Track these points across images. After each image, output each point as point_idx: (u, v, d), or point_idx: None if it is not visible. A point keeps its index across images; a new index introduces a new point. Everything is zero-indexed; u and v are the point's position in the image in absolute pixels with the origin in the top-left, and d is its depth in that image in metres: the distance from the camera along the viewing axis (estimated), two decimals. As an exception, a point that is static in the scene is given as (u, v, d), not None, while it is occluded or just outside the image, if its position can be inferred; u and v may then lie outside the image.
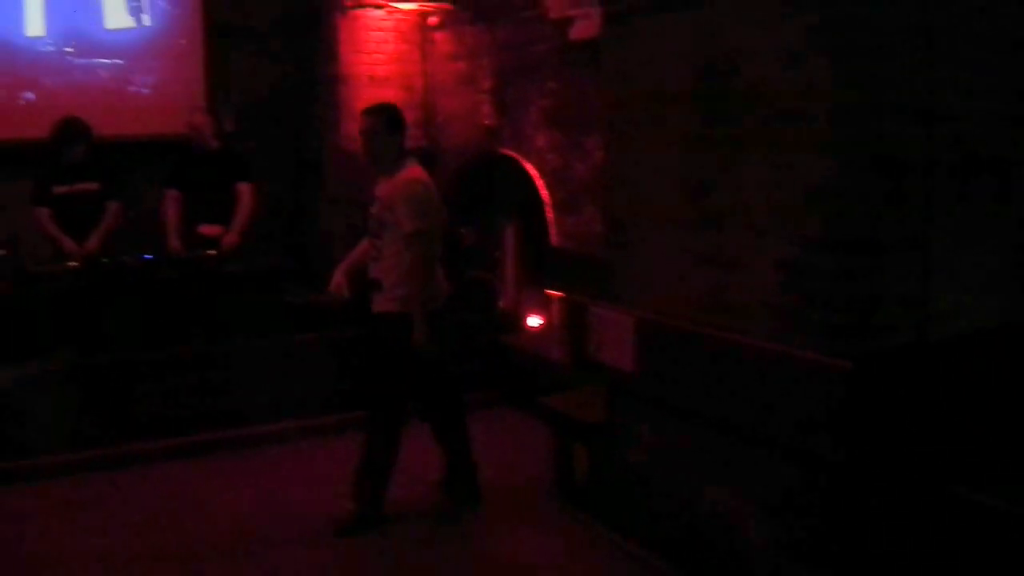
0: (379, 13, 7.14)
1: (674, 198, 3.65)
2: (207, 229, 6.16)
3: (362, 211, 4.41)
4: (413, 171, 4.13)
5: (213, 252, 6.00)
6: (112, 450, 5.05)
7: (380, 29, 7.18)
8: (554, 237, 6.00)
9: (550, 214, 6.02)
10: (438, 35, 7.18)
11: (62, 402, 5.15)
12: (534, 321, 5.97)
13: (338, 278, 4.31)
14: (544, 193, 6.07)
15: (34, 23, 7.24)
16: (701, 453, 3.50)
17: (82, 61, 7.39)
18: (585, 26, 5.57)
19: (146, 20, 7.50)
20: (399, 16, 7.17)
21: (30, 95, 7.31)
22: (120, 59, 7.47)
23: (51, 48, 7.31)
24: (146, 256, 5.98)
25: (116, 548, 4.02)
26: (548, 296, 5.64)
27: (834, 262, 2.98)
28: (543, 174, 6.09)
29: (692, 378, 3.50)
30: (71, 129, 5.94)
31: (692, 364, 3.50)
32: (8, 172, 7.16)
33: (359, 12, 7.12)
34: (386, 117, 4.22)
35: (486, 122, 6.62)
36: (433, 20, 7.19)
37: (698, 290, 3.53)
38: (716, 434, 3.40)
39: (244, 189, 6.22)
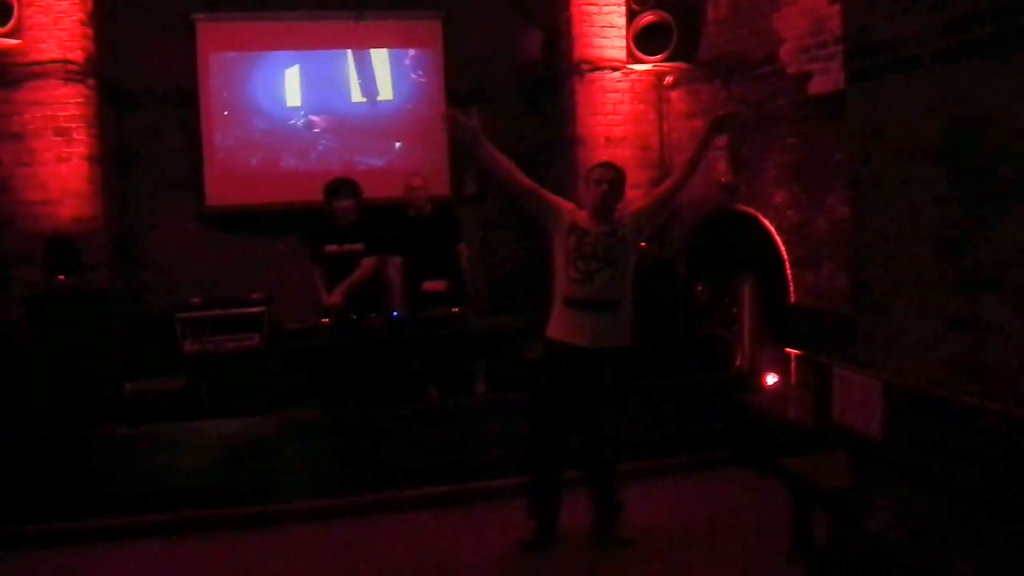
0: (615, 75, 7.31)
1: (924, 257, 3.53)
2: (432, 285, 6.41)
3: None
4: None
5: (456, 310, 6.28)
6: (359, 498, 5.23)
7: (616, 91, 7.34)
8: (793, 294, 5.90)
9: (789, 271, 5.92)
10: (673, 94, 7.27)
11: (311, 451, 5.42)
12: (771, 380, 5.85)
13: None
14: (783, 249, 5.99)
15: (292, 95, 8.07)
16: (951, 524, 3.32)
17: (332, 130, 8.13)
18: (825, 80, 5.49)
19: (389, 94, 8.15)
20: (635, 77, 7.31)
21: (290, 161, 8.06)
22: (367, 128, 8.12)
23: (306, 118, 8.07)
24: (394, 313, 6.35)
25: None
26: (787, 354, 5.53)
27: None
28: (781, 230, 6.01)
29: (944, 445, 3.35)
30: (343, 185, 6.43)
31: (944, 430, 3.35)
32: (270, 233, 7.91)
33: (596, 75, 7.31)
34: (623, 174, 4.64)
35: (723, 179, 6.62)
36: (668, 80, 7.29)
37: (949, 353, 3.39)
38: (968, 505, 3.23)
39: (462, 250, 6.54)
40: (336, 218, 6.36)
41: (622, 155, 7.19)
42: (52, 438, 5.37)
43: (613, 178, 4.49)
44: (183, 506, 5.07)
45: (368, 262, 6.37)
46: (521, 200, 4.56)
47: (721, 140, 6.66)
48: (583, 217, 4.48)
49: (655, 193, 4.69)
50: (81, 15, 6.66)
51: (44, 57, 6.51)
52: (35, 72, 6.51)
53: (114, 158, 7.24)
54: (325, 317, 6.18)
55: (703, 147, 4.58)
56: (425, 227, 6.52)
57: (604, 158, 7.08)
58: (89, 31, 6.74)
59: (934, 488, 3.37)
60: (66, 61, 6.57)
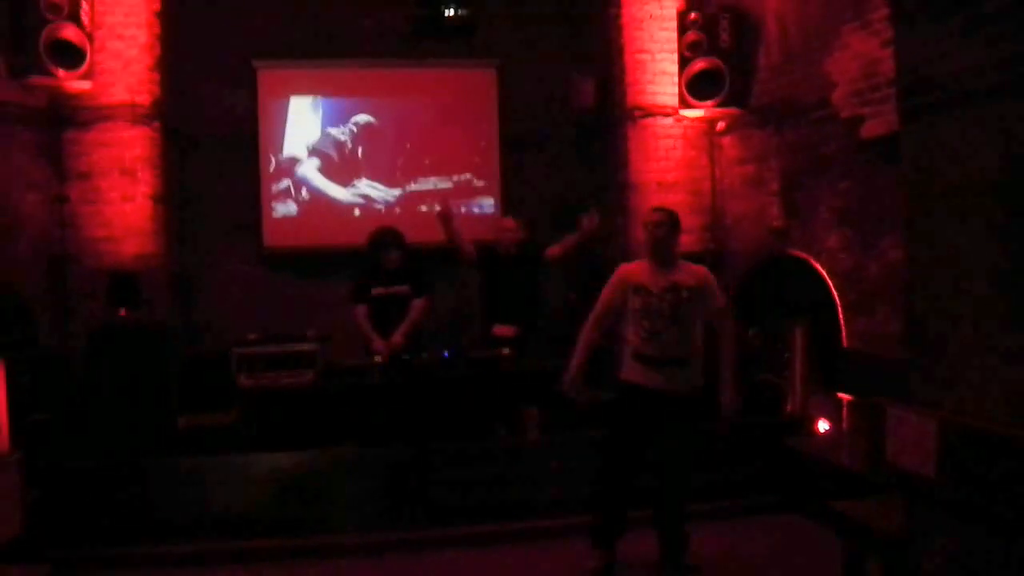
0: (667, 121, 7.38)
1: (979, 294, 3.49)
2: (501, 330, 6.53)
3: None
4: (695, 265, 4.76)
5: (507, 351, 6.33)
6: (408, 534, 5.28)
7: (668, 136, 7.40)
8: (845, 339, 5.84)
9: (841, 315, 5.87)
10: (725, 140, 7.31)
11: (361, 486, 5.48)
12: (823, 425, 5.78)
13: (573, 380, 4.69)
14: (835, 294, 5.94)
15: (348, 140, 8.32)
16: (1011, 569, 3.24)
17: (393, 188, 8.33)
18: (878, 123, 5.48)
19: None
20: (687, 123, 7.37)
21: (346, 206, 8.22)
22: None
23: (365, 175, 8.30)
24: (445, 353, 6.41)
25: None
26: (839, 400, 5.46)
27: None
28: (833, 275, 5.98)
29: (1001, 487, 3.28)
30: (387, 236, 6.57)
31: (1002, 471, 3.28)
32: (323, 274, 8.04)
33: (648, 121, 7.40)
34: (677, 217, 4.75)
35: (775, 224, 6.61)
36: (721, 125, 7.34)
37: (1007, 390, 3.33)
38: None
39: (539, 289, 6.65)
40: (382, 264, 6.51)
41: (674, 200, 7.23)
42: (110, 467, 5.47)
43: (665, 220, 4.63)
44: (233, 536, 5.14)
45: (420, 304, 6.50)
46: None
47: (775, 185, 6.68)
48: (642, 270, 4.63)
49: (709, 282, 4.72)
50: (149, 61, 6.91)
51: (113, 100, 6.75)
52: (104, 115, 6.75)
53: (176, 198, 7.45)
54: (379, 356, 6.27)
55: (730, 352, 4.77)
56: (511, 265, 6.67)
57: (656, 203, 7.14)
58: (156, 76, 6.98)
59: (991, 529, 3.30)
60: (134, 105, 6.81)
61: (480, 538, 5.27)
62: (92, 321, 6.51)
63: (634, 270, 4.68)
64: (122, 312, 6.39)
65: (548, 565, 4.87)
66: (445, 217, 6.57)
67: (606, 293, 4.72)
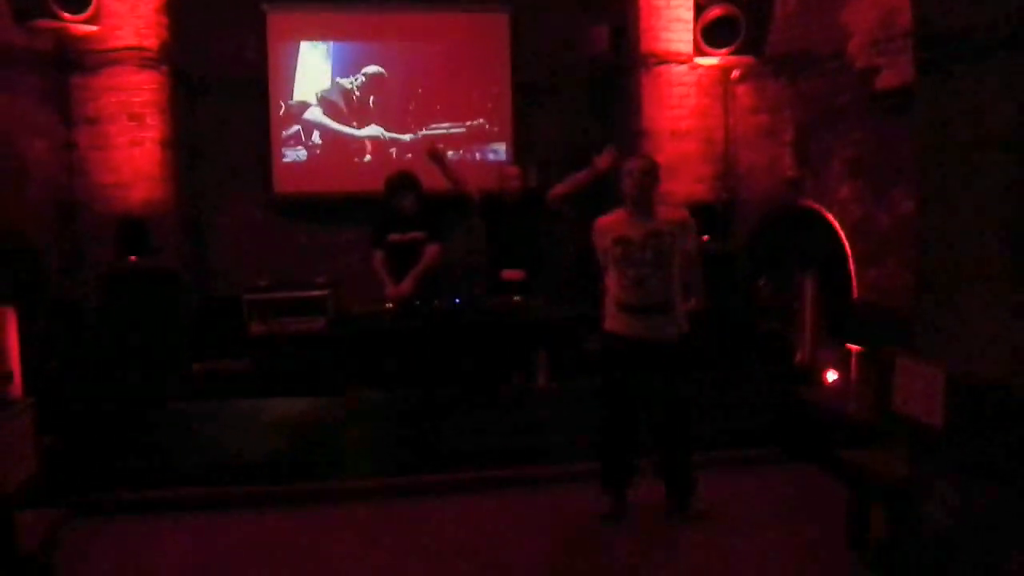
0: (682, 69, 7.30)
1: (991, 249, 3.48)
2: (509, 274, 6.53)
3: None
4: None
5: (519, 299, 6.34)
6: (418, 479, 5.31)
7: (682, 84, 7.32)
8: (856, 290, 5.84)
9: (852, 266, 5.86)
10: (740, 88, 7.24)
11: (372, 432, 5.52)
12: (831, 375, 5.80)
13: None
14: (846, 245, 5.93)
15: (360, 86, 8.21)
16: (1011, 520, 3.27)
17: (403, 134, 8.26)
18: (892, 75, 5.43)
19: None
20: (701, 71, 7.28)
21: (357, 151, 8.19)
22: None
23: (375, 120, 8.21)
24: (456, 300, 6.42)
25: (411, 571, 4.23)
26: (848, 350, 5.47)
27: None
28: (845, 226, 5.96)
29: (1006, 438, 3.30)
30: (403, 180, 6.54)
31: (1007, 423, 3.30)
32: (334, 220, 8.04)
33: (662, 68, 7.31)
34: (657, 165, 4.75)
35: (788, 174, 6.58)
36: (735, 74, 7.26)
37: (1014, 345, 3.33)
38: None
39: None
40: (399, 210, 6.48)
41: (687, 149, 7.20)
42: (121, 413, 5.54)
43: (649, 169, 4.61)
44: (244, 481, 5.20)
45: (433, 250, 6.48)
46: None
47: (788, 135, 6.63)
48: (622, 219, 4.62)
49: (689, 225, 4.72)
50: (157, 3, 6.85)
51: (120, 44, 6.71)
52: (111, 59, 6.72)
53: (185, 144, 7.42)
54: (390, 303, 6.29)
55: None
56: (514, 211, 6.64)
57: (670, 151, 7.13)
58: (164, 19, 6.93)
59: (995, 480, 3.32)
60: (141, 48, 6.77)
61: (490, 483, 5.30)
62: (102, 268, 6.54)
63: (612, 222, 4.66)
64: (132, 258, 6.43)
65: (558, 510, 4.90)
66: (436, 157, 6.57)
67: (597, 246, 4.72)
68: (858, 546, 4.23)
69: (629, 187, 4.57)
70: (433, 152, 6.67)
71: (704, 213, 6.53)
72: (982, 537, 3.41)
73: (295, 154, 8.09)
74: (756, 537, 4.49)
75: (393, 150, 8.16)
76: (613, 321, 4.67)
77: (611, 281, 4.65)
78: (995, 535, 3.34)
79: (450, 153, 7.59)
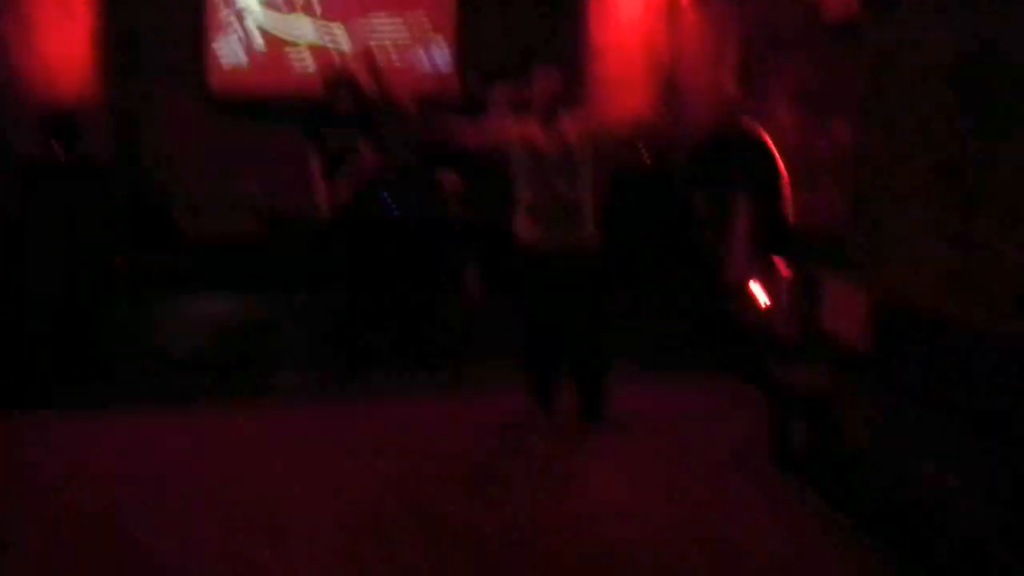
0: (630, -13, 7.24)
1: (924, 177, 3.57)
2: (445, 177, 6.48)
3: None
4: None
5: (454, 204, 6.31)
6: (348, 380, 5.38)
7: (629, 3, 7.27)
8: (789, 213, 5.93)
9: (787, 190, 5.95)
10: (686, 9, 7.19)
11: (303, 332, 5.58)
12: (761, 294, 5.93)
13: None
14: (783, 169, 6.00)
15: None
16: (926, 435, 3.43)
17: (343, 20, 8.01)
18: (838, 5, 5.44)
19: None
20: (650, -10, 7.24)
21: (296, 50, 7.97)
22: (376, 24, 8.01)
23: (312, 10, 7.95)
24: (390, 203, 6.35)
25: (341, 469, 4.24)
26: (779, 269, 5.59)
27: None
28: (783, 149, 6.02)
29: (926, 359, 3.43)
30: (341, 79, 6.39)
31: (927, 345, 3.43)
32: (271, 120, 7.85)
33: (610, -15, 7.25)
34: (567, 78, 4.80)
35: (728, 95, 6.60)
36: (683, -5, 7.21)
37: (940, 271, 3.45)
38: (944, 417, 3.33)
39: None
40: (335, 108, 6.34)
41: (632, 67, 7.17)
42: (52, 310, 5.43)
43: (558, 75, 4.66)
44: (177, 378, 5.19)
45: (369, 153, 6.36)
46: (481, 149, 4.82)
47: (730, 57, 6.63)
48: (531, 127, 4.64)
49: (598, 133, 4.79)
50: None
51: (48, -77, 6.40)
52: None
53: (118, 34, 7.14)
54: (325, 206, 6.20)
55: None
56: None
57: (615, 70, 7.09)
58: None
59: (913, 399, 3.47)
60: (71, -71, 6.47)
61: (419, 387, 5.37)
62: (26, 159, 6.31)
63: (523, 130, 4.68)
64: (58, 150, 6.21)
65: (483, 414, 4.98)
66: (369, 62, 6.37)
67: (502, 133, 4.73)
68: (780, 458, 4.38)
69: (536, 95, 4.62)
70: (365, 56, 6.43)
71: (646, 131, 6.54)
72: (898, 449, 3.56)
73: (230, 47, 7.84)
74: (677, 444, 4.61)
75: (331, 46, 7.94)
76: (526, 231, 4.70)
77: (522, 187, 4.69)
78: (911, 447, 3.49)
79: (389, 58, 7.40)
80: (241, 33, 7.83)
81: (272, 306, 5.66)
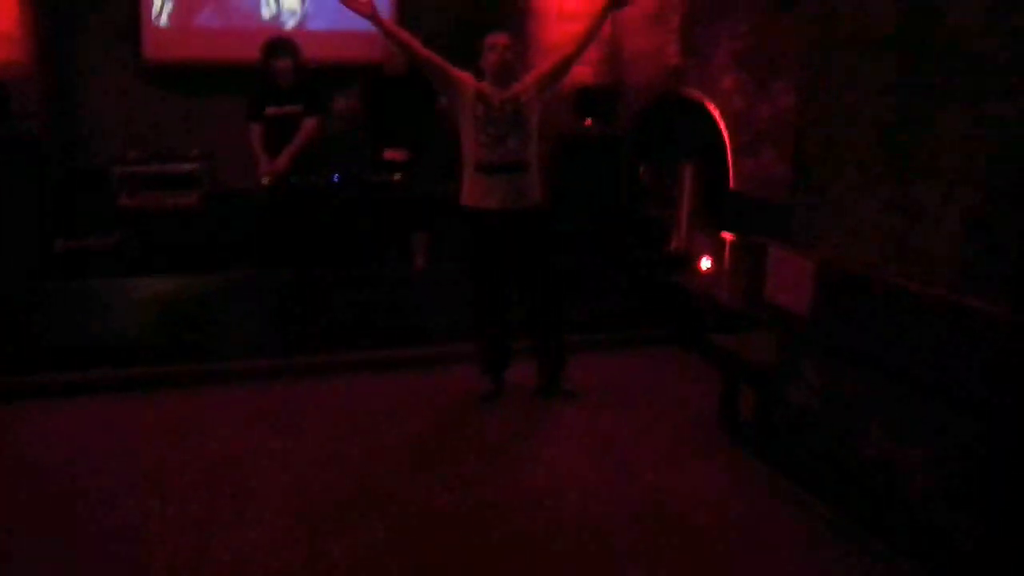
0: (572, -51, 7.16)
1: (865, 144, 3.61)
2: (392, 154, 6.42)
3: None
4: None
5: (398, 176, 6.26)
6: (295, 361, 5.22)
7: (573, -33, 7.20)
8: (732, 180, 5.98)
9: (730, 157, 5.99)
10: (629, -27, 7.15)
11: (248, 311, 5.44)
12: (706, 262, 5.99)
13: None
14: (726, 135, 6.04)
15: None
16: (870, 400, 3.50)
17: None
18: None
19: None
20: (591, -48, 7.16)
21: (234, 18, 7.80)
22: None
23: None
24: (335, 177, 6.28)
25: (294, 452, 4.18)
26: (723, 237, 5.64)
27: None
28: (726, 116, 6.05)
29: (868, 325, 3.49)
30: (280, 45, 6.28)
31: (869, 311, 3.49)
32: (209, 91, 7.70)
33: (551, -53, 7.17)
34: (518, 43, 4.89)
35: (672, 62, 6.60)
36: (625, -43, 7.15)
37: (881, 237, 3.50)
38: (887, 382, 3.40)
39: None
40: (276, 79, 6.24)
41: (574, 30, 7.06)
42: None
43: (508, 43, 4.67)
44: (118, 364, 5.01)
45: (310, 124, 6.28)
46: (426, 73, 4.72)
47: (673, 23, 6.63)
48: (485, 86, 4.66)
49: (553, 61, 4.81)
50: None
51: None
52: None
53: (49, 2, 6.92)
54: (266, 179, 6.11)
55: (600, 20, 4.79)
56: (397, 88, 6.43)
57: (557, 32, 7.05)
58: None
59: (857, 365, 3.53)
60: None
61: (369, 364, 5.29)
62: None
63: (479, 83, 4.69)
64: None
65: (435, 391, 4.96)
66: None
67: (455, 71, 4.67)
68: (728, 426, 4.46)
69: (492, 62, 4.62)
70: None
71: (589, 97, 6.52)
72: (843, 414, 3.64)
73: (166, 14, 7.63)
74: (628, 416, 4.66)
75: (268, 17, 7.79)
76: (472, 190, 4.68)
77: (468, 143, 4.67)
78: (855, 412, 3.57)
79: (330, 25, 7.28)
80: (177, 1, 7.62)
81: (215, 284, 5.53)
